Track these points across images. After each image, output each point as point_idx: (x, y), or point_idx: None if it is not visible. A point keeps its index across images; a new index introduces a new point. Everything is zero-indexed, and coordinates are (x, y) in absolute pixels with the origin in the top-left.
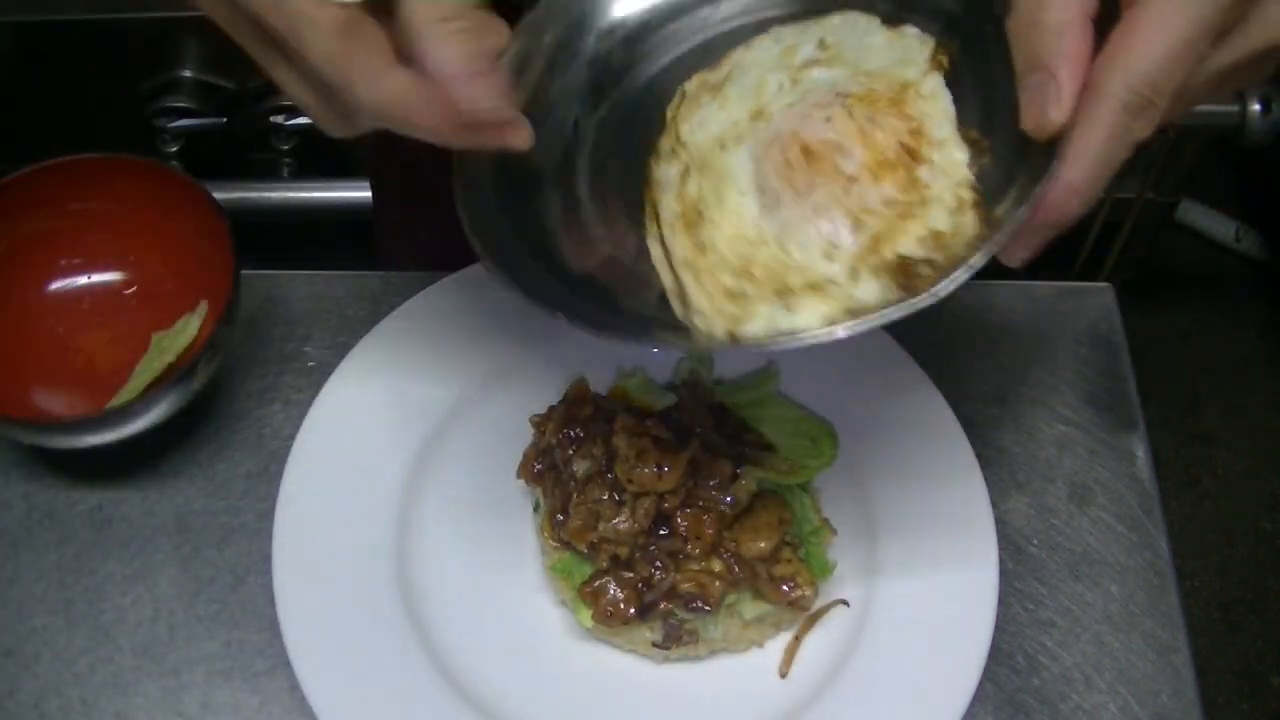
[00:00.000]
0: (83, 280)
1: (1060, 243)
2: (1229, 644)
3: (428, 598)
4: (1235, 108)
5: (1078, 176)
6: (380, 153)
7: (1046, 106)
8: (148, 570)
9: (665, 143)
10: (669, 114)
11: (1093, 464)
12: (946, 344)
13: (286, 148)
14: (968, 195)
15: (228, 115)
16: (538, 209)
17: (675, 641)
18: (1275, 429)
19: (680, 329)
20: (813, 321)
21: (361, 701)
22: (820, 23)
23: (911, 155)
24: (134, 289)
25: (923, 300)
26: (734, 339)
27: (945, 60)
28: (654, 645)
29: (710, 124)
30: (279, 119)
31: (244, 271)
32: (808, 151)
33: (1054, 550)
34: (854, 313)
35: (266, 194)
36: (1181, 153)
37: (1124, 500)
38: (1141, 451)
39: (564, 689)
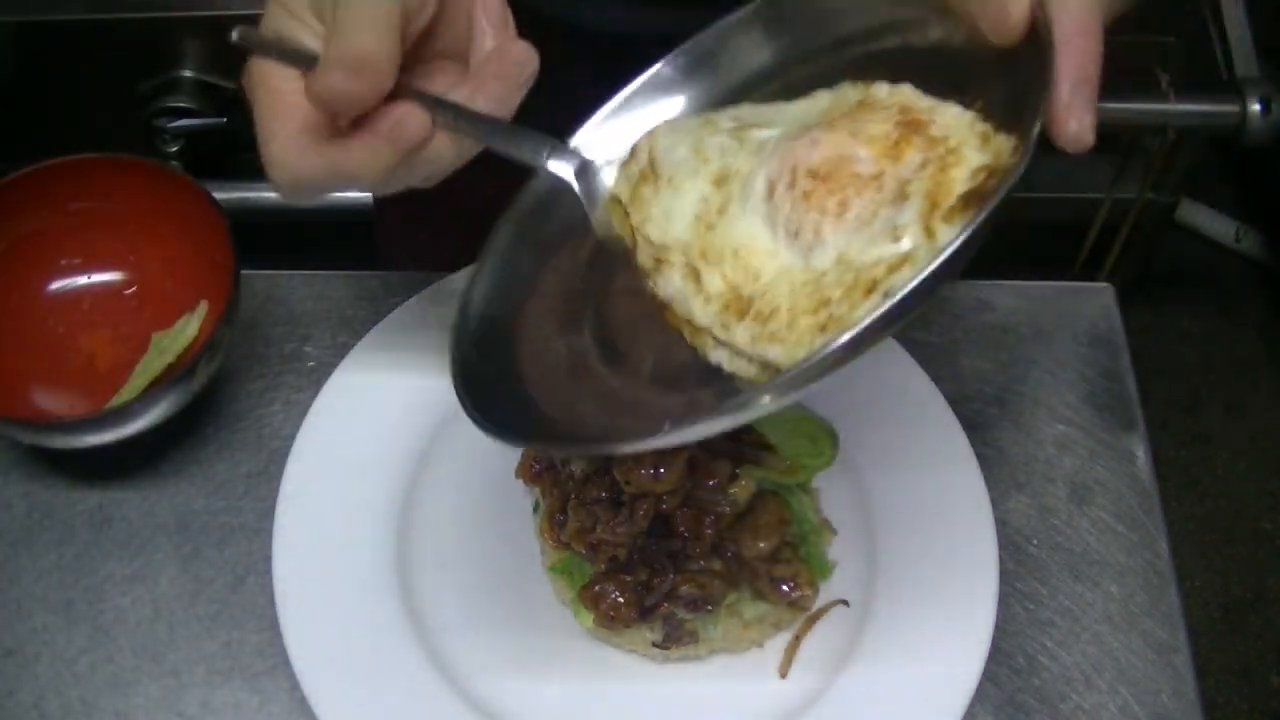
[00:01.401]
0: (83, 280)
1: (1060, 243)
2: (1229, 644)
3: (428, 598)
4: (1235, 108)
5: (1079, 10)
6: None
7: (1006, 4)
8: (148, 570)
9: (643, 258)
10: (620, 228)
11: (1093, 464)
12: (946, 344)
13: None
14: (985, 127)
15: (228, 115)
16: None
17: (675, 641)
18: (1275, 429)
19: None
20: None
21: (361, 701)
22: (721, 112)
23: (914, 126)
24: (134, 289)
25: (990, 204)
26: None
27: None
28: (654, 645)
29: (678, 214)
30: None
31: (244, 271)
32: (817, 175)
33: (1054, 550)
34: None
35: (266, 194)
36: (1181, 153)
37: (1124, 500)
38: (1141, 451)
39: (564, 689)
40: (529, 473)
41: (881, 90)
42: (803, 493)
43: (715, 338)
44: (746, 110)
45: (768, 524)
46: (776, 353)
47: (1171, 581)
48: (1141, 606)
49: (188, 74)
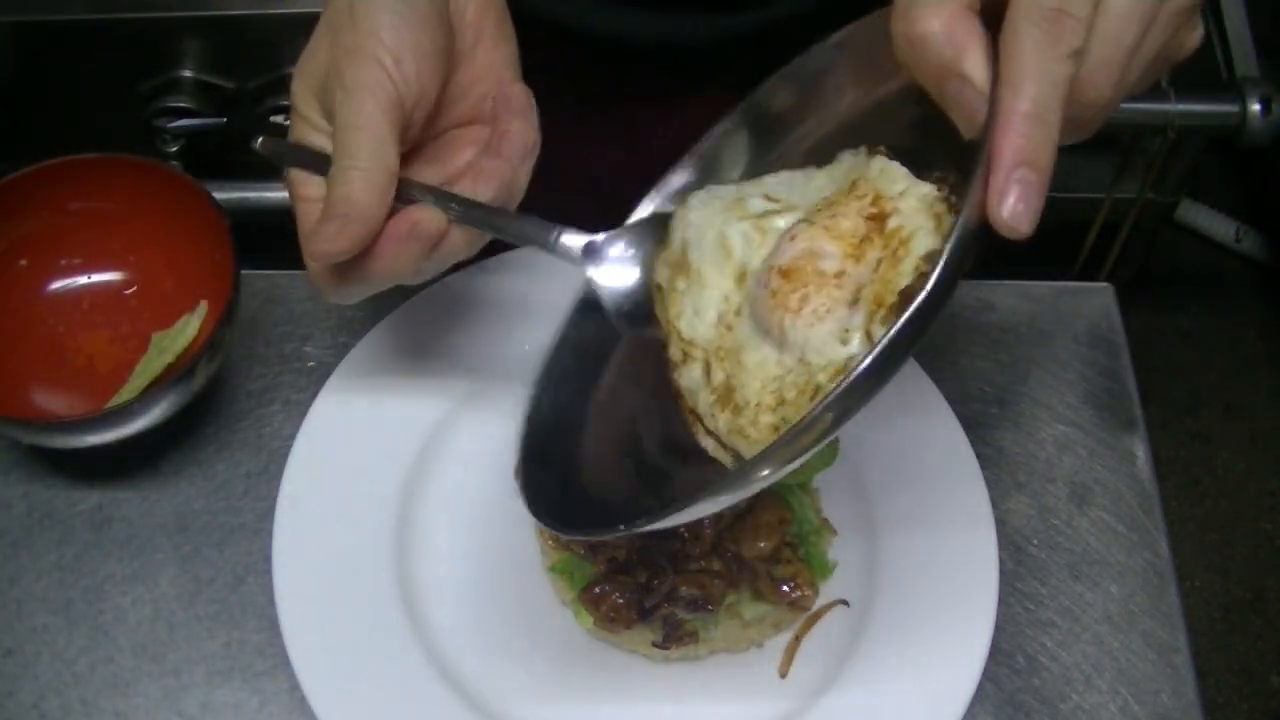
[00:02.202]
0: (83, 280)
1: (1060, 243)
2: (1229, 644)
3: (428, 598)
4: (1235, 108)
5: (1024, 103)
6: None
7: (972, 103)
8: (148, 570)
9: (674, 350)
10: (659, 315)
11: (1093, 464)
12: (946, 344)
13: None
14: (943, 208)
15: (228, 115)
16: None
17: (675, 641)
18: (1275, 429)
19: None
20: None
21: (361, 701)
22: (754, 183)
23: (878, 219)
24: (134, 289)
25: (918, 302)
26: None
27: (881, 149)
28: (654, 645)
29: (705, 310)
30: (279, 119)
31: (244, 271)
32: (786, 273)
33: (1054, 550)
34: None
35: (266, 194)
36: (1181, 153)
37: (1124, 500)
38: (1141, 451)
39: (564, 689)
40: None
41: (875, 166)
42: (803, 493)
43: (705, 426)
44: (778, 183)
45: (768, 524)
46: (743, 447)
47: (1171, 581)
48: (1141, 606)
49: (188, 74)
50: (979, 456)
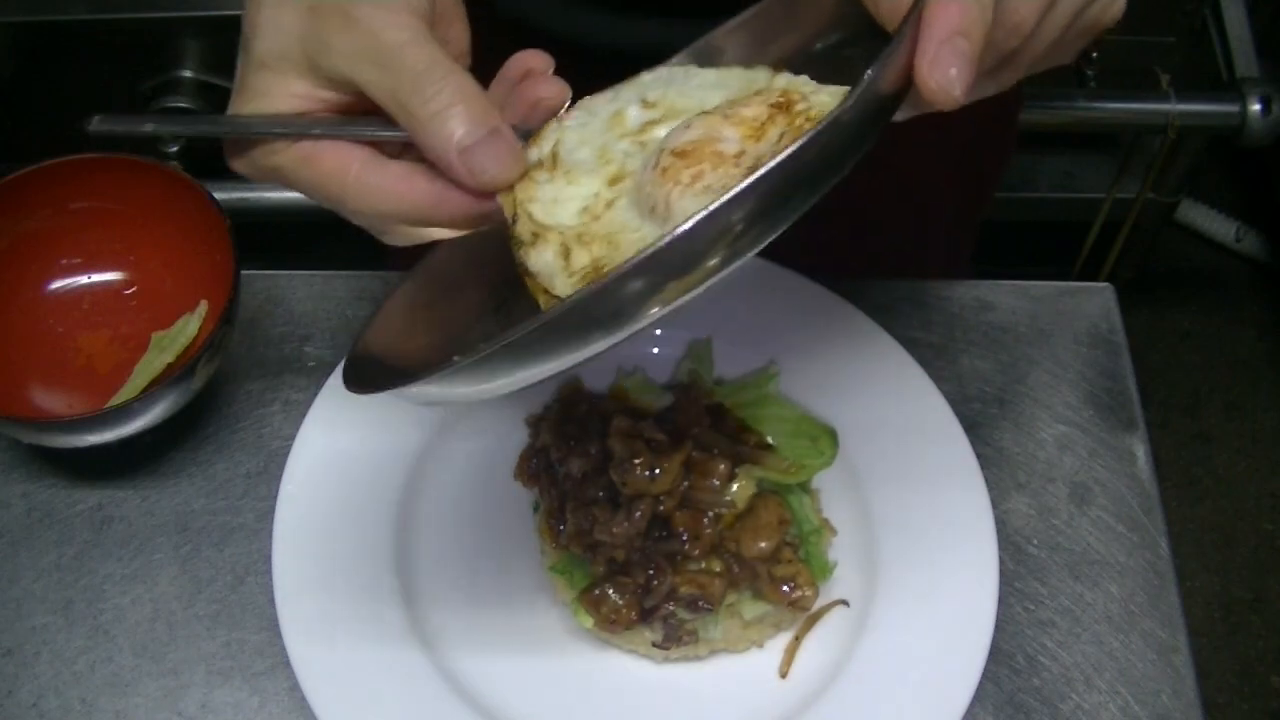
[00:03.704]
0: (83, 280)
1: (1060, 243)
2: (1229, 644)
3: (428, 598)
4: (1235, 108)
5: None
6: None
7: None
8: (147, 570)
9: (521, 228)
10: (503, 201)
11: (1093, 464)
12: (946, 344)
13: None
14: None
15: None
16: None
17: (675, 641)
18: (1275, 429)
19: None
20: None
21: (361, 701)
22: (631, 83)
23: (785, 106)
24: (134, 289)
25: (817, 127)
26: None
27: (786, 69)
28: (654, 645)
29: (567, 201)
30: None
31: (244, 271)
32: (679, 153)
33: (1054, 550)
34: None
35: (266, 194)
36: (1181, 153)
37: (1124, 500)
38: (1141, 451)
39: (564, 689)
40: (525, 473)
41: (781, 80)
42: (803, 493)
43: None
44: (655, 80)
45: (768, 524)
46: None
47: (1171, 581)
48: (1141, 606)
49: (188, 74)
50: (979, 456)
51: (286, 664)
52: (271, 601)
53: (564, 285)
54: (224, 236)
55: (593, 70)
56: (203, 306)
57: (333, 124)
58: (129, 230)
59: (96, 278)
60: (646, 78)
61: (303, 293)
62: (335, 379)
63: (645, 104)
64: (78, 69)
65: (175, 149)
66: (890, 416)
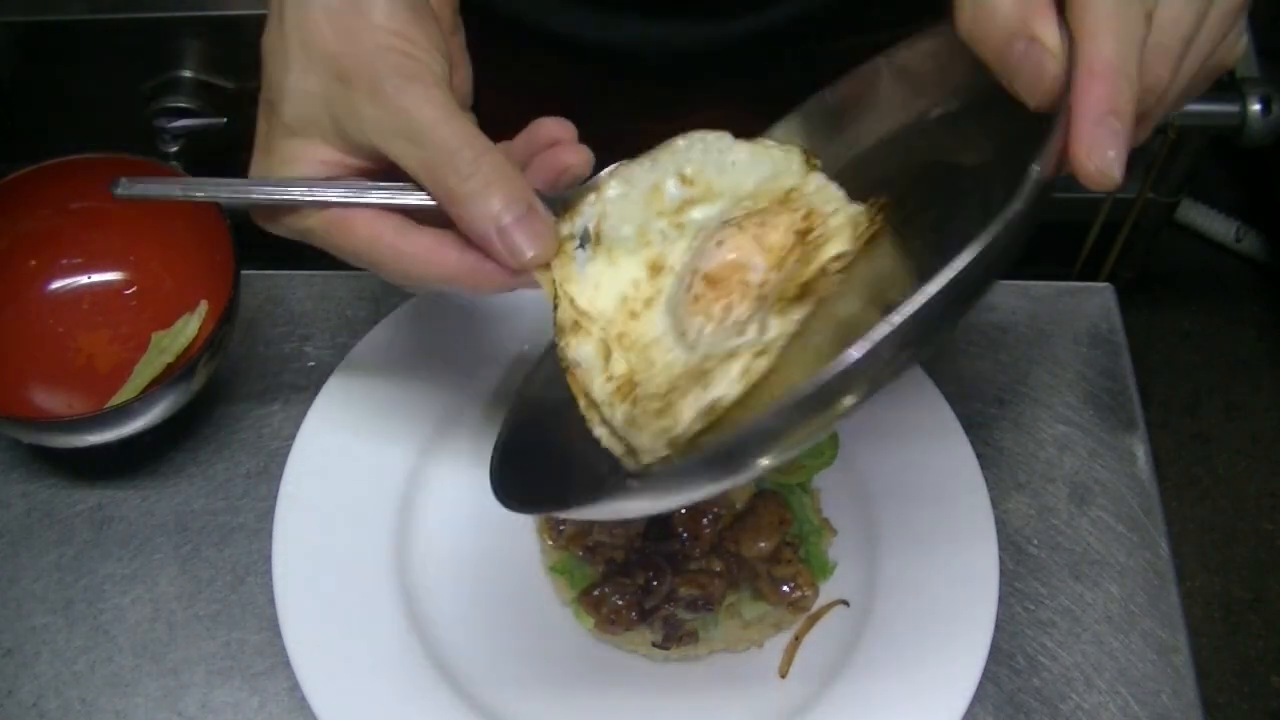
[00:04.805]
0: (83, 280)
1: (1060, 243)
2: (1229, 644)
3: (428, 598)
4: (1235, 108)
5: (1107, 51)
6: None
7: (1041, 61)
8: (148, 570)
9: (563, 315)
10: (542, 281)
11: (1093, 464)
12: (947, 344)
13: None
14: (864, 221)
15: (228, 115)
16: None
17: (675, 642)
18: (1275, 429)
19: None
20: (729, 381)
21: (361, 701)
22: (668, 151)
23: (804, 233)
24: (134, 289)
25: (936, 282)
26: (673, 446)
27: (817, 161)
28: (654, 645)
29: (608, 286)
30: None
31: (244, 271)
32: (711, 280)
33: (1054, 550)
34: (763, 353)
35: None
36: (1181, 153)
37: (1124, 500)
38: (1141, 451)
39: (564, 689)
40: None
41: (813, 182)
42: (803, 493)
43: (602, 415)
44: (691, 153)
45: (768, 524)
46: (636, 438)
47: (1171, 581)
48: (1141, 606)
49: (188, 74)
50: (979, 456)
51: (286, 664)
52: (271, 601)
53: (601, 389)
54: (224, 236)
55: (592, 69)
56: (203, 306)
57: (362, 189)
58: (129, 230)
59: (96, 278)
60: (681, 143)
61: (303, 293)
62: (335, 379)
63: (683, 179)
64: (78, 69)
65: (175, 149)
66: (890, 416)
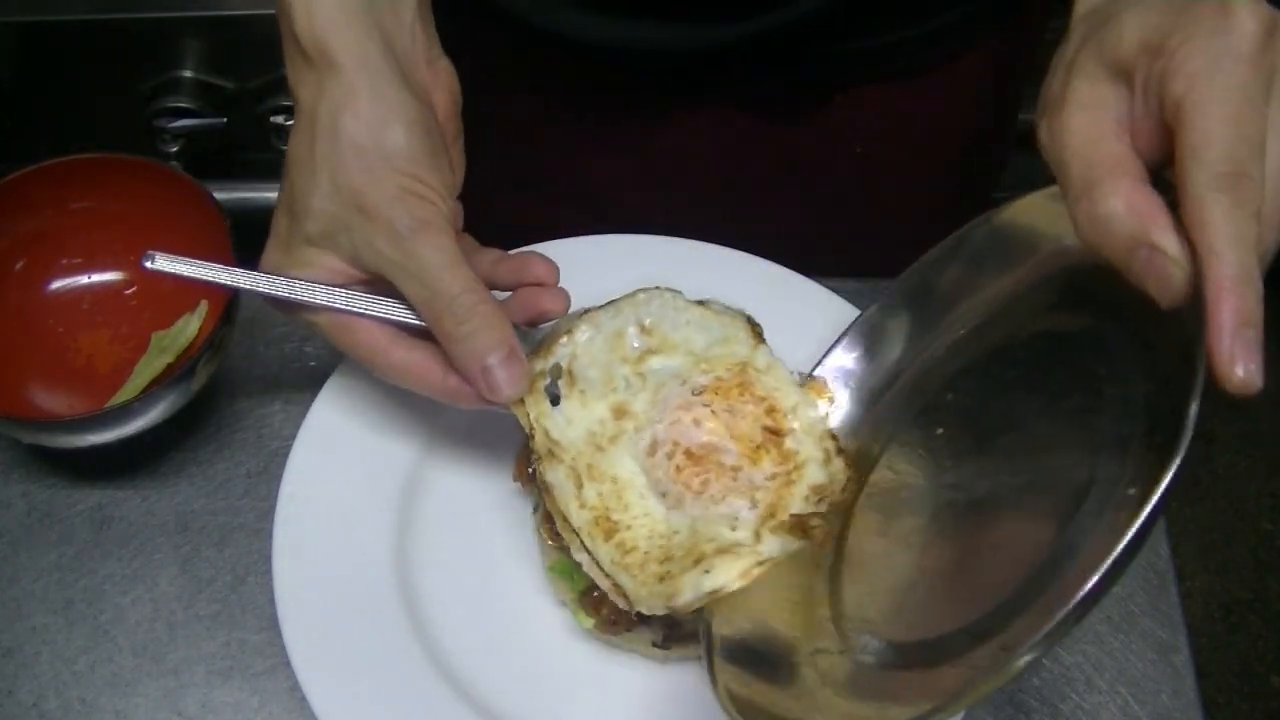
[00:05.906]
0: (83, 280)
1: None
2: (1229, 644)
3: (428, 598)
4: None
5: (1230, 267)
6: None
7: (1165, 270)
8: (148, 570)
9: (539, 444)
10: (517, 413)
11: None
12: None
13: (286, 148)
14: (831, 445)
15: (228, 115)
16: None
17: (675, 641)
18: (1275, 429)
19: None
20: (730, 577)
21: (361, 701)
22: (630, 302)
23: (775, 433)
24: (134, 289)
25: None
26: (672, 610)
27: (760, 330)
28: (654, 645)
29: (577, 422)
30: (279, 119)
31: None
32: (691, 456)
33: None
34: (763, 564)
35: (267, 194)
36: None
37: None
38: None
39: (564, 689)
40: (523, 474)
41: (761, 358)
42: None
43: (582, 543)
44: (650, 306)
45: None
46: (627, 581)
47: (1171, 581)
48: (1141, 606)
49: (188, 74)
50: None
51: (286, 664)
52: (271, 601)
53: (578, 516)
54: (224, 236)
55: (597, 70)
56: (203, 306)
57: (366, 300)
58: (129, 230)
59: (97, 278)
60: (642, 296)
61: None
62: (335, 379)
63: (642, 329)
64: (78, 69)
65: (175, 149)
66: None
